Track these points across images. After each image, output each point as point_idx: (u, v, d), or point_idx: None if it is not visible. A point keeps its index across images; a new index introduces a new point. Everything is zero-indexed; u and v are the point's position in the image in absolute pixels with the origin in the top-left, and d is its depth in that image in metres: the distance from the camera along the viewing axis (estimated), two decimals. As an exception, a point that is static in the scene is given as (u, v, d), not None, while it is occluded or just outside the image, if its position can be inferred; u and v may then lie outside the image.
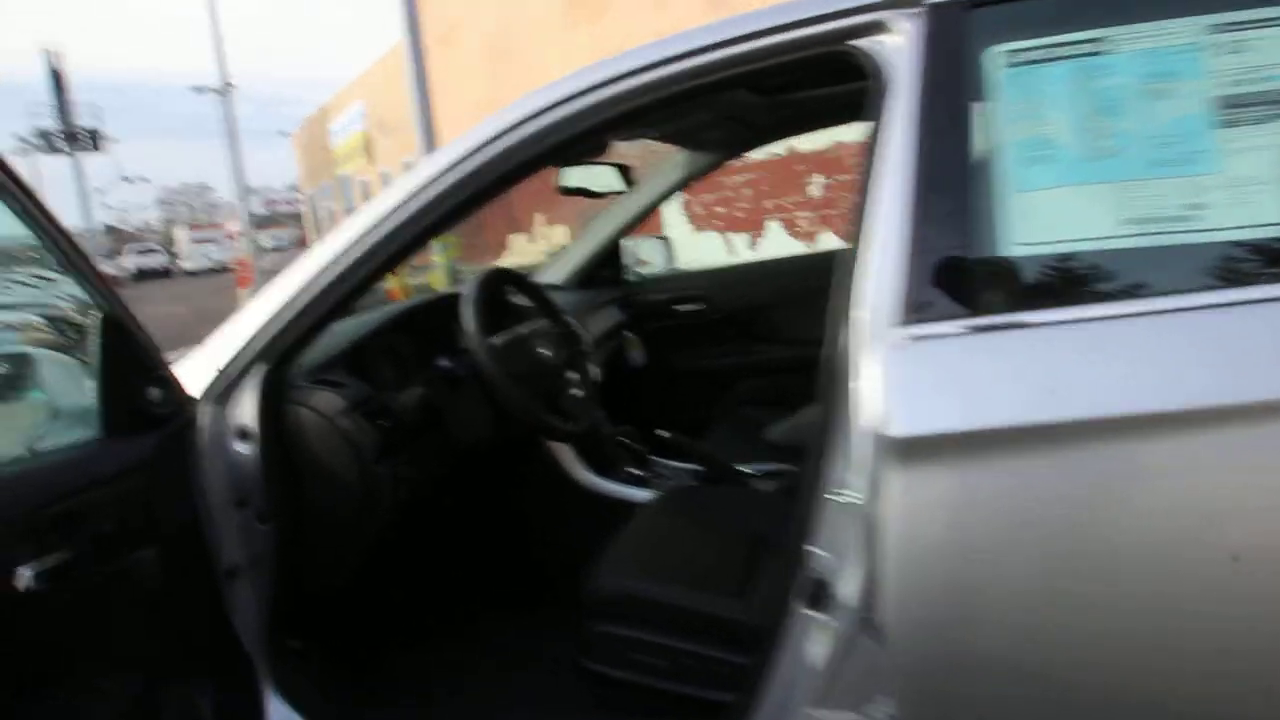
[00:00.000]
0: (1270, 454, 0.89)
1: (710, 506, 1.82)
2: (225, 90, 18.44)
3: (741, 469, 2.10)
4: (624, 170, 2.25)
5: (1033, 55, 1.06)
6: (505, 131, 1.28)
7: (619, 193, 2.29)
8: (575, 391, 1.94)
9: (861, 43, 1.14)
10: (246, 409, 1.34)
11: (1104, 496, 0.94)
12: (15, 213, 1.07)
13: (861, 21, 1.14)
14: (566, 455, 2.16)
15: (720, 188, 8.43)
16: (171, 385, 1.26)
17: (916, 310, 1.00)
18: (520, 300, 1.96)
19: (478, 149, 1.29)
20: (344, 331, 1.76)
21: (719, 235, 8.60)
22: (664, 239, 2.92)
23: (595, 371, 1.98)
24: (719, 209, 8.58)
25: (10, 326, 1.25)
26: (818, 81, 2.03)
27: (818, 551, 1.08)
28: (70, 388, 1.22)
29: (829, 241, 7.38)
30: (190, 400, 1.30)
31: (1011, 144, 1.05)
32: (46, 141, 22.05)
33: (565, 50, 9.46)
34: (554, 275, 2.66)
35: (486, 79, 11.06)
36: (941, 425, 0.96)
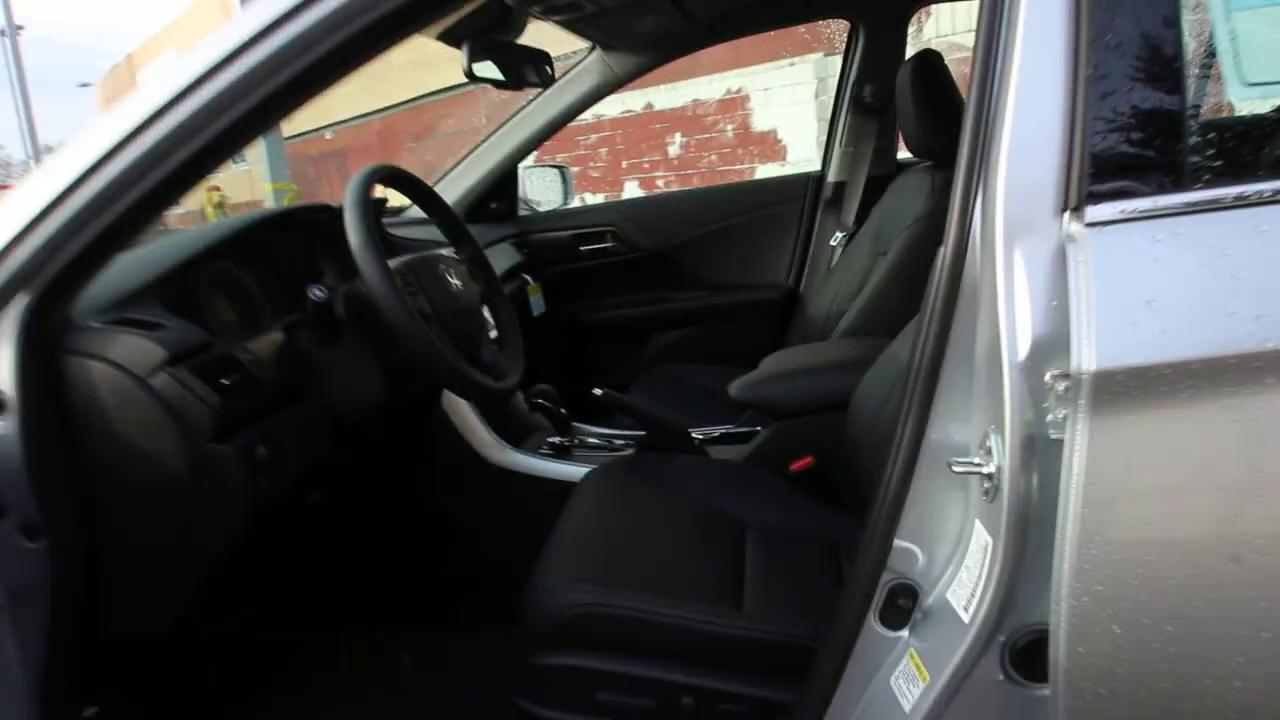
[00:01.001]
0: None
1: (666, 482, 1.41)
2: (9, 33, 16.06)
3: (695, 433, 1.70)
4: (540, 62, 1.76)
5: None
6: None
7: (535, 86, 1.80)
8: (494, 336, 1.46)
9: None
10: None
11: None
12: None
13: None
14: (470, 425, 1.68)
15: (575, 146, 8.05)
16: None
17: (1094, 193, 0.68)
18: (403, 231, 1.44)
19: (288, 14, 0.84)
20: (156, 254, 1.20)
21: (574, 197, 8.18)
22: (562, 167, 2.45)
23: (511, 314, 1.51)
24: (573, 169, 8.14)
25: None
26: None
27: (906, 546, 0.81)
28: None
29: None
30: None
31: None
32: None
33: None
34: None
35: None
36: (1149, 353, 0.63)
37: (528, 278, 2.23)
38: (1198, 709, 0.68)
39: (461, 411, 1.68)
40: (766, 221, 2.33)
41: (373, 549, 1.66)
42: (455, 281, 1.32)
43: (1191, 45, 0.70)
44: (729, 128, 6.97)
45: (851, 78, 2.20)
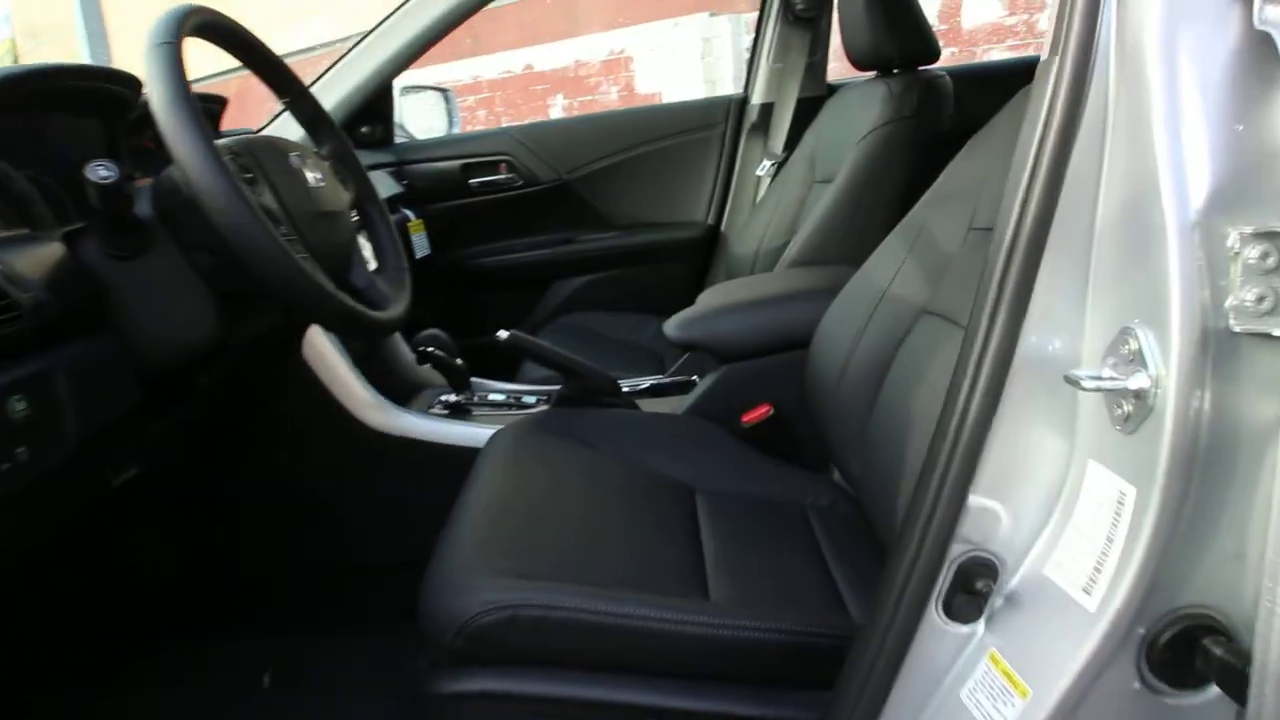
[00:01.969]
0: None
1: (592, 443, 1.14)
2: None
3: (622, 384, 1.41)
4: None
5: None
6: None
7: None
8: (370, 261, 1.13)
9: None
10: None
11: None
12: None
13: None
14: (342, 379, 1.34)
15: (450, 107, 7.56)
16: None
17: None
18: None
19: None
20: None
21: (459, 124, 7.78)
22: (445, 90, 2.10)
23: (391, 228, 1.17)
24: (449, 131, 7.72)
25: None
26: None
27: (984, 503, 0.59)
28: None
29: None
30: None
31: None
32: None
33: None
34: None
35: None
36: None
37: (409, 213, 1.89)
38: None
39: (330, 363, 1.34)
40: (682, 150, 2.06)
41: (210, 541, 1.30)
42: (313, 174, 0.98)
43: None
44: (613, 89, 6.69)
45: (781, -18, 1.94)
